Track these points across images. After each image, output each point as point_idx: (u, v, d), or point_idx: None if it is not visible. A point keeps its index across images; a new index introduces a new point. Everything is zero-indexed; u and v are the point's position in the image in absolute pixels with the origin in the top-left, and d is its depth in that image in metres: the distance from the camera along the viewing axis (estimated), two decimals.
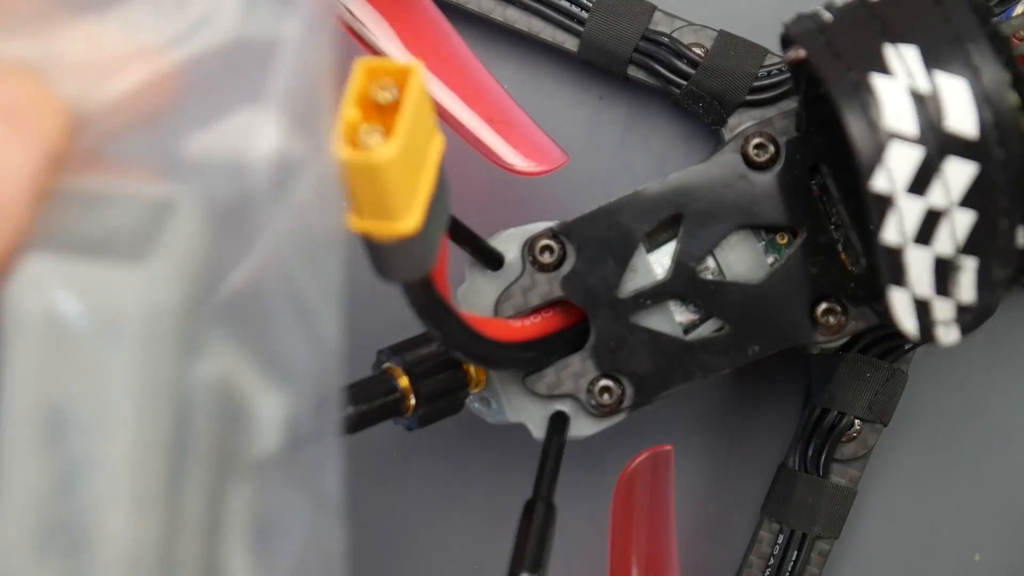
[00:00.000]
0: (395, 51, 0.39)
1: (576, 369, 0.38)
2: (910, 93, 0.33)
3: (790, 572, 0.42)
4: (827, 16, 0.35)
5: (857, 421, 0.41)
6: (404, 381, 0.35)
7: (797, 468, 0.41)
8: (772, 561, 0.42)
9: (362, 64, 0.26)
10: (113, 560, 0.24)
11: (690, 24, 0.39)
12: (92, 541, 0.24)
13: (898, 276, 0.34)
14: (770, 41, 0.38)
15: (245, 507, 0.27)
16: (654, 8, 0.39)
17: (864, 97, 0.33)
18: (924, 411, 0.44)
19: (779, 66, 0.39)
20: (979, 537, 0.44)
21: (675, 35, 0.40)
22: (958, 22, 0.33)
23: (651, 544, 0.41)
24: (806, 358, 0.41)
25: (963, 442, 0.44)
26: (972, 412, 0.44)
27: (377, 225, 0.27)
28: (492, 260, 0.36)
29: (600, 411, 0.37)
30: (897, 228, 0.33)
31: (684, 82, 0.40)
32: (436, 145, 0.28)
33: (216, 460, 0.26)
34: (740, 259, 0.38)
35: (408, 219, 0.27)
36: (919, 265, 0.34)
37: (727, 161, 0.38)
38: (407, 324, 0.33)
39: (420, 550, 0.45)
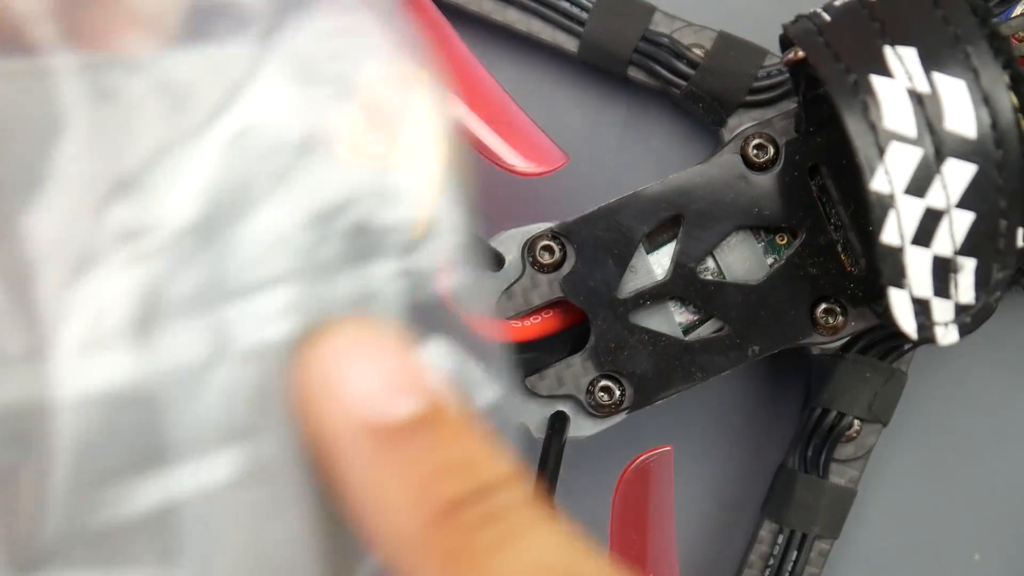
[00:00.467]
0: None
1: (576, 370, 0.38)
2: (909, 94, 0.33)
3: (790, 572, 0.42)
4: (826, 17, 0.35)
5: (857, 421, 0.41)
6: None
7: (797, 468, 0.41)
8: (772, 561, 0.42)
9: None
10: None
11: (690, 24, 0.39)
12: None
13: (897, 277, 0.34)
14: (770, 42, 0.38)
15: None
16: (654, 9, 0.39)
17: (864, 98, 0.33)
18: (924, 411, 0.44)
19: (779, 67, 0.39)
20: (979, 536, 0.45)
21: (675, 35, 0.40)
22: (957, 23, 0.33)
23: (651, 544, 0.40)
24: (806, 358, 0.41)
25: (963, 442, 0.44)
26: (972, 412, 0.44)
27: None
28: (492, 260, 0.36)
29: (600, 411, 0.38)
30: (896, 229, 0.34)
31: (684, 82, 0.40)
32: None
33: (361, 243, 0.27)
34: (740, 260, 0.38)
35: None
36: (918, 266, 0.34)
37: (727, 162, 0.38)
38: None
39: None
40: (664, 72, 0.41)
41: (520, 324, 0.37)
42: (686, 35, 0.41)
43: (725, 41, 0.41)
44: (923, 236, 0.34)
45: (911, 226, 0.34)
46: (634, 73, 0.41)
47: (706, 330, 0.39)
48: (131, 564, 0.26)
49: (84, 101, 0.26)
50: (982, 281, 0.35)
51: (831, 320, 0.38)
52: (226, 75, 0.27)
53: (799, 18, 0.35)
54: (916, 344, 0.39)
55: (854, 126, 0.33)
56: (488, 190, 0.40)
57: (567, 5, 0.40)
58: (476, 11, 0.40)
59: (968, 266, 0.34)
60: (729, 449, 0.45)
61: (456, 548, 0.25)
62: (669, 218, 0.38)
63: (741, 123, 0.40)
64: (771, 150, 0.38)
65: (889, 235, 0.34)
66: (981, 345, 0.43)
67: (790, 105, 0.39)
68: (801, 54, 0.35)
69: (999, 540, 0.45)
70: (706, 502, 0.45)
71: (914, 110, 0.33)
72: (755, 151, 0.38)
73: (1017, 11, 0.38)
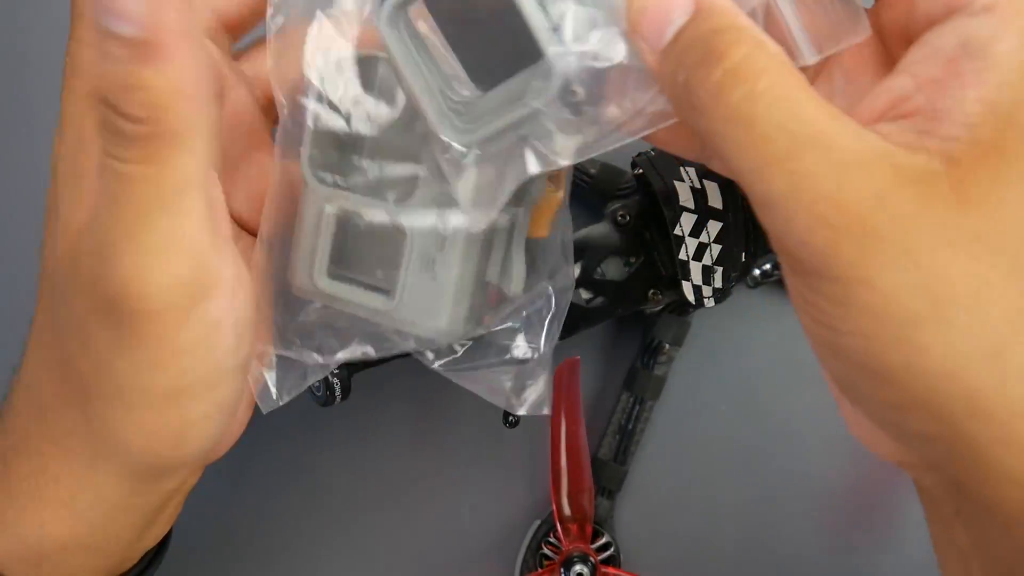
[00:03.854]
0: None
1: None
2: (691, 190, 0.37)
3: (635, 419, 0.44)
4: (652, 153, 0.39)
5: (667, 345, 0.43)
6: None
7: (640, 366, 0.44)
8: (625, 413, 0.44)
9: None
10: (462, 241, 0.28)
11: (591, 159, 0.39)
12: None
13: (686, 275, 0.39)
14: (626, 165, 0.41)
15: (523, 226, 0.30)
16: None
17: (670, 192, 0.37)
18: (699, 342, 0.45)
19: (631, 177, 0.41)
20: (725, 399, 0.45)
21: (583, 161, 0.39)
22: None
23: (569, 406, 0.41)
24: (643, 316, 0.43)
25: (718, 358, 0.45)
26: (726, 345, 0.46)
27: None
28: None
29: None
30: (685, 252, 0.38)
31: (586, 184, 0.43)
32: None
33: (517, 202, 0.29)
34: (613, 268, 0.40)
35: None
36: (695, 270, 0.39)
37: (606, 223, 0.41)
38: None
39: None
40: (577, 179, 0.42)
41: None
42: (587, 162, 0.43)
43: (605, 166, 0.43)
44: (698, 255, 0.37)
45: (692, 250, 0.37)
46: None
47: (596, 302, 0.40)
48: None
49: None
50: (726, 278, 0.38)
51: (656, 297, 0.41)
52: None
53: (640, 153, 0.39)
54: (695, 307, 0.41)
55: (664, 205, 0.37)
56: None
57: None
58: None
59: (719, 270, 0.38)
60: (607, 357, 0.46)
61: None
62: (579, 249, 0.40)
63: (613, 205, 0.42)
64: (628, 217, 0.40)
65: (682, 255, 0.38)
66: (725, 309, 0.43)
67: (636, 196, 0.41)
68: (641, 171, 0.38)
69: (736, 401, 0.45)
70: (596, 381, 0.45)
71: (694, 196, 0.37)
72: (620, 217, 0.40)
73: None
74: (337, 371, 0.36)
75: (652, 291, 0.41)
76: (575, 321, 0.40)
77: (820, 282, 0.21)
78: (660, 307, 0.42)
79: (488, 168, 0.26)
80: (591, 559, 0.41)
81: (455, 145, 0.26)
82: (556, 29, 0.23)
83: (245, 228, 0.30)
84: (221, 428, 0.28)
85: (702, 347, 0.46)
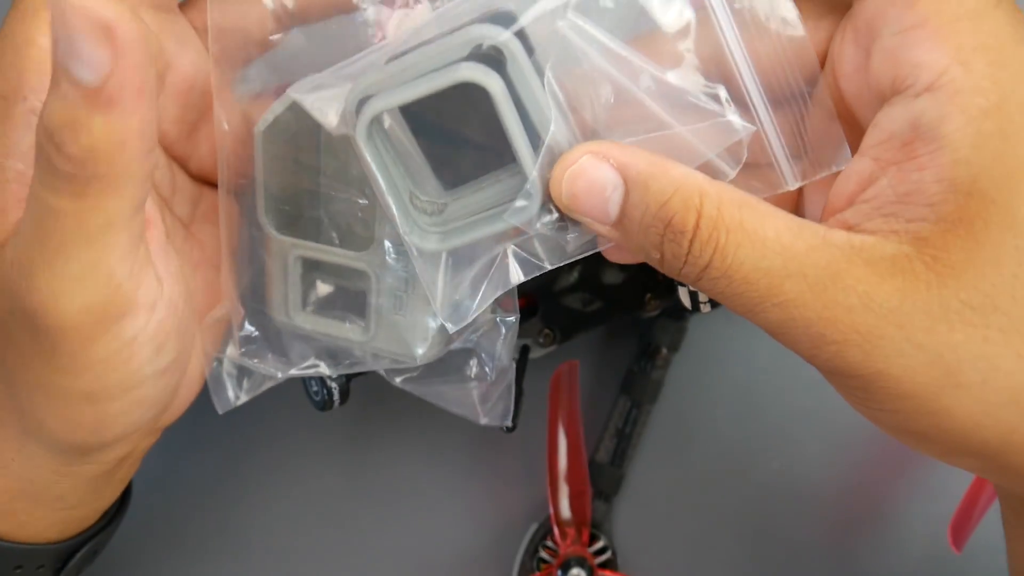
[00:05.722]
0: None
1: (534, 324, 0.41)
2: None
3: (632, 422, 0.45)
4: None
5: (664, 349, 0.44)
6: None
7: (637, 371, 0.45)
8: (622, 416, 0.45)
9: None
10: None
11: None
12: None
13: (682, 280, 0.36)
14: None
15: None
16: None
17: None
18: (695, 345, 0.46)
19: None
20: (719, 400, 0.46)
21: None
22: None
23: (567, 409, 0.43)
24: (639, 320, 0.44)
25: (715, 363, 0.46)
26: (722, 349, 0.46)
27: None
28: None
29: (544, 344, 0.41)
30: None
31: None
32: None
33: None
34: (610, 273, 0.41)
35: None
36: None
37: None
38: None
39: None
40: None
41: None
42: None
43: None
44: None
45: None
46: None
47: (593, 306, 0.41)
48: None
49: None
50: None
51: (653, 302, 0.41)
52: None
53: None
54: (692, 312, 0.41)
55: None
56: None
57: None
58: None
59: None
60: (605, 361, 0.46)
61: None
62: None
63: None
64: None
65: None
66: (721, 314, 0.43)
67: None
68: None
69: (732, 405, 0.46)
70: (593, 385, 0.46)
71: None
72: None
73: None
74: (335, 376, 0.36)
75: (649, 296, 0.42)
76: (573, 325, 0.41)
77: (839, 379, 0.23)
78: (657, 312, 0.42)
79: (458, 269, 0.27)
80: (588, 563, 0.42)
81: (422, 246, 0.27)
82: (536, 147, 0.23)
83: (210, 182, 0.31)
84: (148, 417, 0.29)
85: (699, 351, 0.46)
